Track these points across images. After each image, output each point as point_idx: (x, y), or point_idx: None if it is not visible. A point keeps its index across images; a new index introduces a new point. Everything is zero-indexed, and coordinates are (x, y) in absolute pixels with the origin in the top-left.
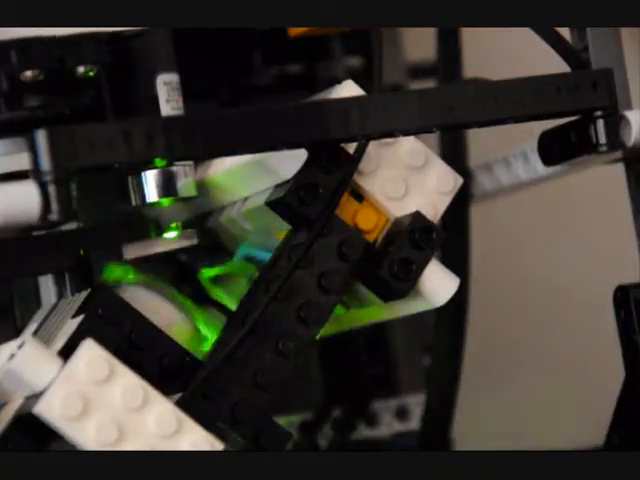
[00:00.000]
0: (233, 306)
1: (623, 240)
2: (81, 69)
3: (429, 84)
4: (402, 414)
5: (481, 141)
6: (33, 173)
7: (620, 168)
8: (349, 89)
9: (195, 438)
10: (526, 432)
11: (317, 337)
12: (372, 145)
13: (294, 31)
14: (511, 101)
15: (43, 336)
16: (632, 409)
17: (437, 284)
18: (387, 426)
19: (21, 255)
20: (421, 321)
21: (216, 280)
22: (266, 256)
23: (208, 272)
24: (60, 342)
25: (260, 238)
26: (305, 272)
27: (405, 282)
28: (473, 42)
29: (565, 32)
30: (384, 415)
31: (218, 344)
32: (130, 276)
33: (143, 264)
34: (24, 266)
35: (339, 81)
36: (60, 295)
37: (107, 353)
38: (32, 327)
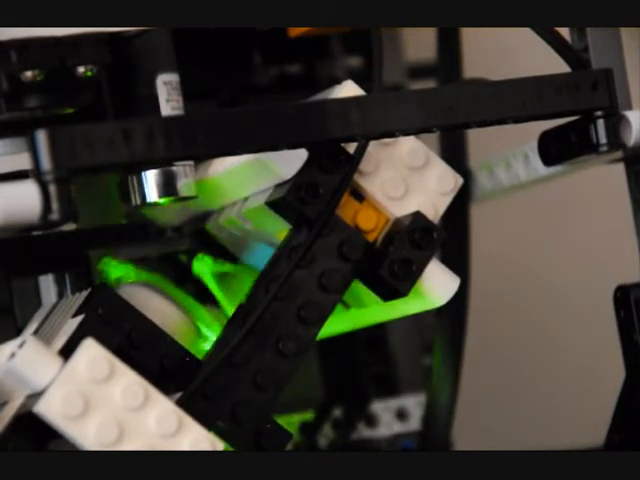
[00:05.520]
0: (233, 306)
1: (623, 240)
2: (81, 69)
3: (429, 84)
4: (402, 414)
5: (481, 141)
6: (33, 173)
7: (620, 168)
8: (349, 89)
9: (196, 437)
10: (526, 432)
11: (317, 337)
12: (372, 145)
13: (294, 31)
14: (511, 101)
15: (43, 335)
16: (632, 409)
17: (437, 284)
18: (387, 426)
19: (21, 255)
20: (421, 321)
21: (219, 277)
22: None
23: (216, 267)
24: (60, 341)
25: (261, 238)
26: (305, 272)
27: (405, 282)
28: (473, 42)
29: (565, 32)
30: (384, 415)
31: (218, 344)
32: (130, 276)
33: (143, 264)
34: (24, 266)
35: (339, 81)
36: (60, 295)
37: (107, 352)
38: (32, 327)
